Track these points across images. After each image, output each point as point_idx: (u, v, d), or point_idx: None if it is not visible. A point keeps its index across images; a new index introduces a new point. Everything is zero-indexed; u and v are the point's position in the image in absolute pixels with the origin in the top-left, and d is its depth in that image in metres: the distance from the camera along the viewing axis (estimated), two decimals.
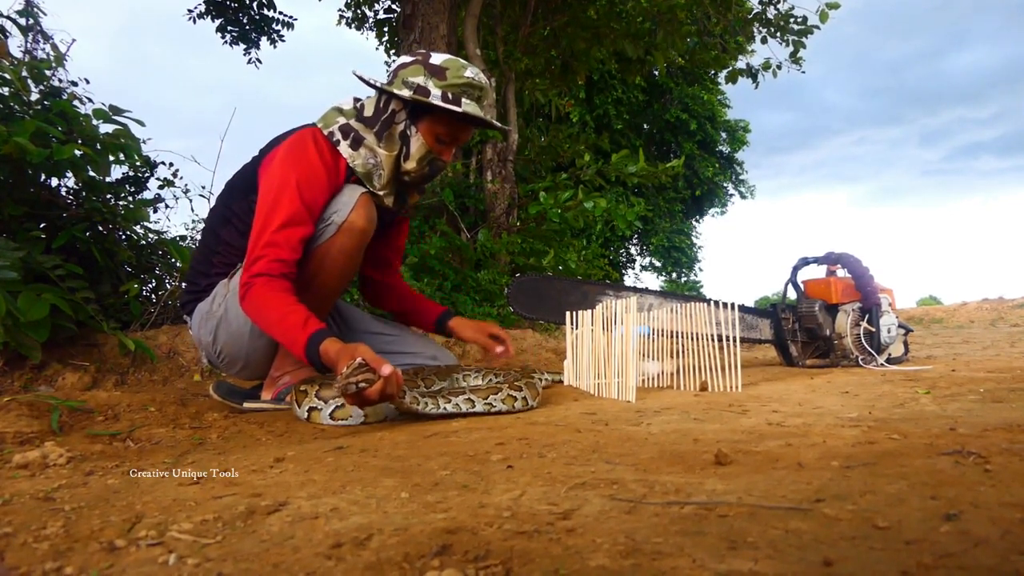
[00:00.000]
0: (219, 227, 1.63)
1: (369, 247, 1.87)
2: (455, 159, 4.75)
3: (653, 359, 2.02)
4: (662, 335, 2.01)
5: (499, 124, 1.70)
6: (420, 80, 1.54)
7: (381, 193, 1.63)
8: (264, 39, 6.70)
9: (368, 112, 1.60)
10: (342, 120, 1.59)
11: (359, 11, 6.89)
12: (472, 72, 1.56)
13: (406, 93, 1.53)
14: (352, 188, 1.57)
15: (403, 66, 1.57)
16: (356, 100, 1.64)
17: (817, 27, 5.43)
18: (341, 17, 6.92)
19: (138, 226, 2.52)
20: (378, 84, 1.56)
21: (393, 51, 6.90)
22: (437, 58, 1.56)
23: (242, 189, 1.60)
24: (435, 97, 1.52)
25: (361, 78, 1.59)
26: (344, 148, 1.57)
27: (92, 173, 2.14)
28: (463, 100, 1.54)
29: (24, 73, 2.11)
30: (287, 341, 1.37)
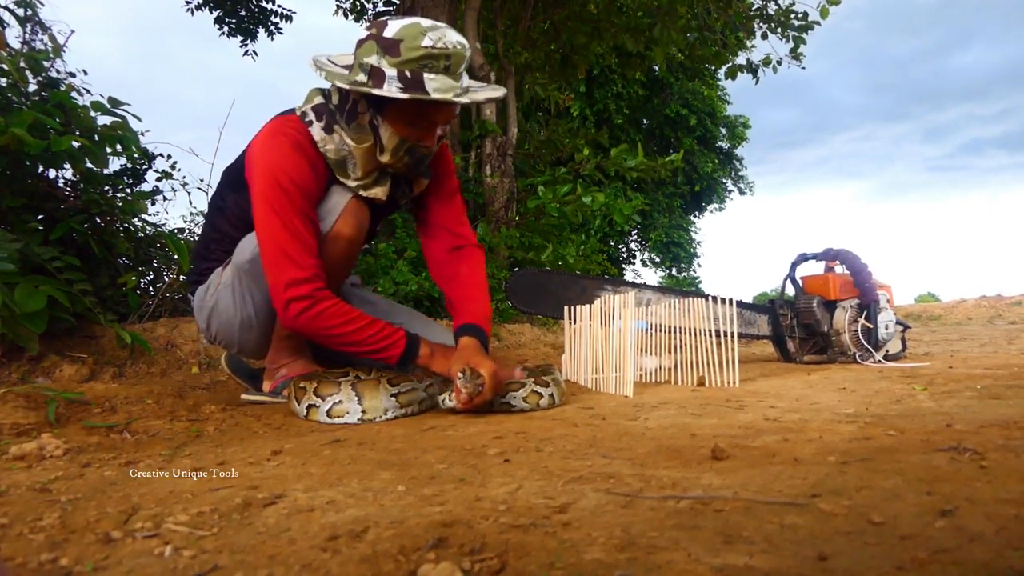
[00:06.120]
0: (215, 216, 1.62)
1: (420, 219, 1.72)
2: (456, 149, 4.73)
3: (651, 354, 2.02)
4: (660, 330, 2.01)
5: (472, 99, 1.36)
6: (374, 60, 1.30)
7: (354, 185, 1.46)
8: (262, 30, 6.65)
9: (335, 99, 1.43)
10: (319, 100, 1.44)
11: (357, 2, 6.82)
12: (433, 37, 1.28)
13: (360, 80, 1.31)
14: (340, 192, 1.46)
15: (360, 44, 1.34)
16: (322, 91, 1.48)
17: (818, 23, 5.42)
18: (338, 7, 6.85)
19: (136, 218, 2.51)
20: (324, 76, 1.35)
21: None
22: (392, 28, 1.30)
23: (234, 180, 1.54)
24: (390, 80, 1.28)
25: (319, 67, 1.37)
26: (316, 130, 1.41)
27: (90, 165, 2.13)
28: (425, 76, 1.29)
29: (22, 64, 2.09)
30: (369, 352, 1.41)
